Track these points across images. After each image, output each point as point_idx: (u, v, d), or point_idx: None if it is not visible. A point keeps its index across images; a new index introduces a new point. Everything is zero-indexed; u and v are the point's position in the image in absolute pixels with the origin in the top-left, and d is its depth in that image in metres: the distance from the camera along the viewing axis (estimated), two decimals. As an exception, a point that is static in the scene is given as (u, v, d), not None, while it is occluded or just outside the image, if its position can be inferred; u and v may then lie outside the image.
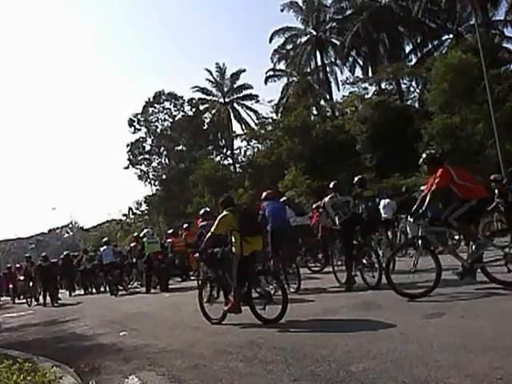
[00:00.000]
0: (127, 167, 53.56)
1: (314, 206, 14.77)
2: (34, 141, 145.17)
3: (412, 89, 35.84)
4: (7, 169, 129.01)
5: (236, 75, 49.15)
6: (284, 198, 13.25)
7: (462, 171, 6.89)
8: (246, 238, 6.64)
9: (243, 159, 47.76)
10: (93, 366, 5.61)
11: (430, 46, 34.85)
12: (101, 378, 5.06)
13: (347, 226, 8.67)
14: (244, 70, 49.07)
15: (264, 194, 10.09)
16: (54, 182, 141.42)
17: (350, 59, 39.62)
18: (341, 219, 8.71)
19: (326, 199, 9.28)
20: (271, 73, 45.40)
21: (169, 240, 17.39)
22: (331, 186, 9.52)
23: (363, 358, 4.18)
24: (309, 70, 43.83)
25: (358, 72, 39.68)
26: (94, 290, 19.30)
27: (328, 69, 42.41)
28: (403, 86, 35.49)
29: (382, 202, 12.69)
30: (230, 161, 50.22)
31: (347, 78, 38.99)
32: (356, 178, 10.60)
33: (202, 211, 12.57)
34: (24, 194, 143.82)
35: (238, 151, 49.41)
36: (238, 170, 47.47)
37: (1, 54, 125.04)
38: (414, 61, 35.30)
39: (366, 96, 35.93)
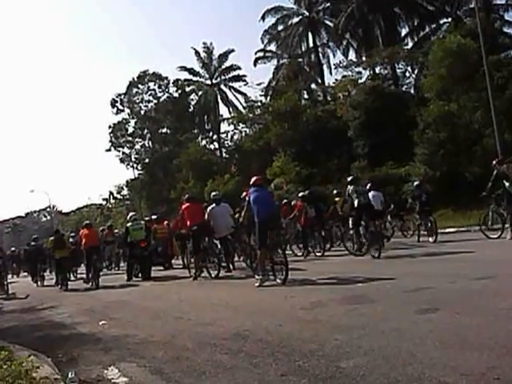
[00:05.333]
0: (109, 149, 53.36)
1: (293, 202, 16.40)
2: (12, 121, 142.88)
3: (408, 74, 35.67)
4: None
5: (224, 56, 48.84)
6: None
7: None
8: None
9: (230, 144, 47.76)
10: (71, 356, 5.55)
11: (427, 29, 34.71)
12: (79, 368, 4.99)
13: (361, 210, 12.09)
14: (233, 50, 48.88)
15: (252, 179, 9.97)
16: (32, 163, 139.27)
17: (344, 42, 39.40)
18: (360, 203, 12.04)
19: (351, 187, 12.31)
20: (261, 54, 45.13)
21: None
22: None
23: (353, 354, 4.16)
24: (300, 52, 43.60)
25: (352, 55, 39.52)
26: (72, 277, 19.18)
27: (320, 51, 42.21)
28: (398, 71, 35.33)
29: (370, 194, 13.67)
30: (216, 145, 50.16)
31: (340, 62, 38.70)
32: (349, 178, 13.14)
33: (186, 196, 12.82)
34: (1, 176, 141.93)
35: (225, 135, 49.38)
36: (224, 155, 47.39)
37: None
38: (411, 45, 35.22)
39: (360, 80, 35.69)
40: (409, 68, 34.86)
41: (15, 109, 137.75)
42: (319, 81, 42.59)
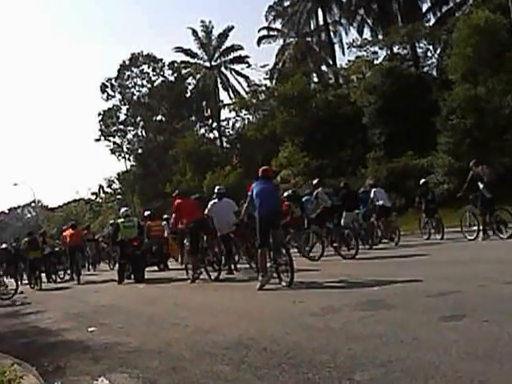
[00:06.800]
0: (98, 139, 53.50)
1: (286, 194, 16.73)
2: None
3: (430, 54, 35.63)
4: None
5: (224, 35, 48.83)
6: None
7: None
8: None
9: (231, 132, 47.79)
10: (57, 365, 5.56)
11: (451, 4, 34.63)
12: (66, 379, 5.00)
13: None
14: (232, 28, 48.75)
15: (261, 169, 9.94)
16: (16, 154, 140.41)
17: (358, 18, 39.38)
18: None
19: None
20: (265, 32, 45.23)
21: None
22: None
23: (369, 366, 4.13)
24: (309, 30, 43.54)
25: (367, 33, 39.59)
26: (57, 279, 19.57)
27: (331, 29, 42.21)
28: (419, 51, 35.31)
29: (373, 191, 15.57)
30: (216, 134, 50.26)
31: (354, 41, 38.69)
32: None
33: (176, 192, 13.00)
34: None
35: (226, 123, 49.44)
36: (225, 144, 47.42)
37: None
38: (433, 21, 35.21)
39: (376, 61, 35.78)
40: (430, 47, 34.84)
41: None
42: (330, 62, 42.61)
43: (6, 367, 5.11)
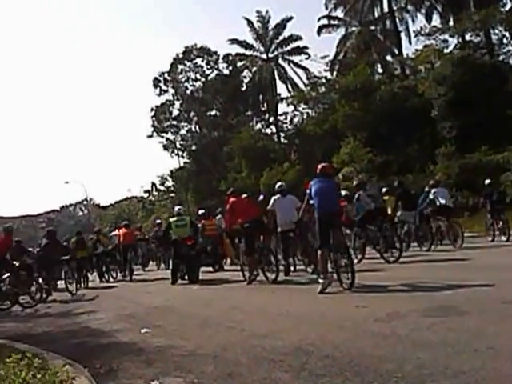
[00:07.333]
0: (151, 136, 54.45)
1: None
2: (46, 108, 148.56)
3: (505, 41, 34.53)
4: (16, 137, 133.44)
5: (281, 25, 48.88)
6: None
7: None
8: None
9: (289, 127, 47.66)
10: (109, 368, 5.68)
11: (529, -14, 33.46)
12: (118, 382, 5.12)
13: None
14: (291, 18, 48.79)
15: (319, 166, 9.95)
16: (68, 152, 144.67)
17: (426, 4, 38.64)
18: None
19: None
20: (325, 21, 44.97)
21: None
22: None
23: (439, 376, 4.05)
24: (373, 18, 43.01)
25: (436, 20, 38.75)
26: (110, 278, 20.07)
27: (397, 16, 41.54)
28: (494, 38, 34.25)
29: (433, 191, 15.44)
30: (274, 129, 50.27)
31: (421, 28, 37.88)
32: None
33: (230, 190, 13.09)
34: (34, 166, 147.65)
35: (283, 118, 49.36)
36: (282, 140, 47.42)
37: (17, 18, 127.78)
38: (509, 6, 34.04)
39: (446, 50, 34.96)
40: (507, 34, 33.70)
41: (49, 94, 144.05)
42: (396, 52, 41.94)
43: (58, 368, 5.21)
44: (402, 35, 41.62)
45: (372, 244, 13.64)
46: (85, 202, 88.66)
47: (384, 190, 16.17)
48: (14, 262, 14.28)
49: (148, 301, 11.98)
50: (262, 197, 15.38)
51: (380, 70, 42.45)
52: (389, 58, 42.96)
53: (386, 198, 15.93)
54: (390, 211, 15.00)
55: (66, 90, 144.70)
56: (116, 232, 21.90)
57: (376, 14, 42.99)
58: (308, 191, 9.75)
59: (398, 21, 41.52)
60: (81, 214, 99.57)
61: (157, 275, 18.92)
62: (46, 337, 8.56)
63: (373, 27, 43.14)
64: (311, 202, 9.70)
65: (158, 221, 27.04)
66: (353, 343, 5.43)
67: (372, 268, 11.98)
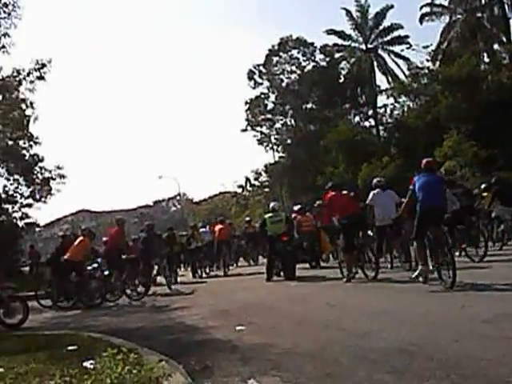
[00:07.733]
0: (245, 129, 55.08)
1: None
2: (140, 104, 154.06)
3: None
4: (111, 133, 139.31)
5: (381, 14, 48.09)
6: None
7: None
8: None
9: (389, 120, 46.84)
10: (205, 365, 5.68)
11: None
12: (214, 379, 5.10)
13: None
14: (392, 7, 47.83)
15: (423, 161, 9.96)
16: (161, 147, 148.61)
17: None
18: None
19: None
20: (428, 9, 43.59)
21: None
22: None
23: None
24: (479, 4, 41.33)
25: (550, 4, 36.56)
26: (203, 274, 20.36)
27: (506, 2, 39.64)
28: None
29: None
30: (373, 122, 49.58)
31: (533, 13, 36.09)
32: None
33: (329, 184, 13.43)
34: (128, 161, 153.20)
35: (383, 110, 48.51)
36: (382, 133, 46.64)
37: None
38: None
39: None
40: None
41: (144, 89, 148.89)
42: (504, 40, 40.04)
43: (154, 364, 5.27)
44: (511, 22, 39.65)
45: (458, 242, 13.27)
46: (178, 197, 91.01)
47: (483, 186, 15.90)
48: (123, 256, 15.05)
49: (242, 297, 12.06)
50: (352, 194, 15.13)
51: (487, 60, 40.80)
52: (496, 46, 41.26)
53: (484, 194, 15.66)
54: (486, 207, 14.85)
55: (161, 85, 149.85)
56: (205, 229, 22.73)
57: (483, 1, 41.26)
58: (411, 187, 9.77)
59: (506, 7, 39.73)
60: (174, 209, 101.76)
61: (249, 271, 19.14)
62: (140, 332, 8.72)
63: (479, 14, 41.45)
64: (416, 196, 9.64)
65: (248, 218, 27.49)
66: (459, 345, 5.23)
67: (476, 265, 11.63)
